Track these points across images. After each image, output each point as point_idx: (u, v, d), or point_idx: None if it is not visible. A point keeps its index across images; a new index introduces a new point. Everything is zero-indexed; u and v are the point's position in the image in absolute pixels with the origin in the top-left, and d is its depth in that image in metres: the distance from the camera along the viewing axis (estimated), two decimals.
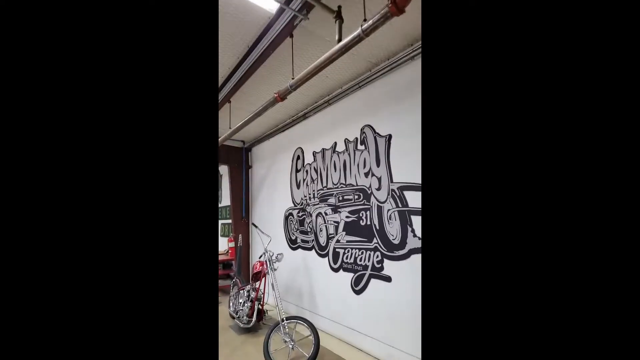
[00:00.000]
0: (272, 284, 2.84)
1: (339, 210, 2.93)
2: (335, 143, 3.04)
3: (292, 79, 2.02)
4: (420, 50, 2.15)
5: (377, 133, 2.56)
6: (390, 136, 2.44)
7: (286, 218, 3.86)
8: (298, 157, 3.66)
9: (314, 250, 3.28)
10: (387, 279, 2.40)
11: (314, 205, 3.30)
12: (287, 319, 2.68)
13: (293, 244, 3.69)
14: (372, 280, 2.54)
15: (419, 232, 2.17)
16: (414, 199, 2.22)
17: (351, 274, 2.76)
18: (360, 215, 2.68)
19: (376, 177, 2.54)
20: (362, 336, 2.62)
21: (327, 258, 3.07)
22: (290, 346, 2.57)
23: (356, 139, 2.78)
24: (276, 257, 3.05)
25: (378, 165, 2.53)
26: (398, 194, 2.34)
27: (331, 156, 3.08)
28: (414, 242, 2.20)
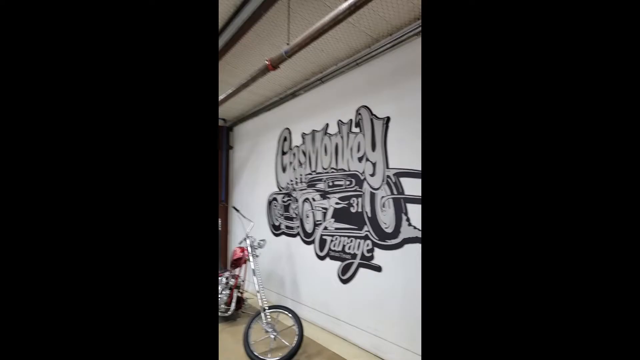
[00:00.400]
0: (253, 271, 2.66)
1: (329, 196, 2.77)
2: (327, 124, 2.84)
3: (287, 44, 1.79)
4: None
5: (374, 115, 2.40)
6: (388, 119, 2.29)
7: (269, 203, 3.65)
8: (285, 139, 3.43)
9: (299, 237, 3.13)
10: (377, 268, 2.30)
11: (301, 190, 3.12)
12: (269, 308, 2.53)
13: (276, 230, 3.51)
14: (361, 270, 2.44)
15: (414, 221, 2.07)
16: (411, 186, 2.10)
17: (338, 263, 2.64)
18: (351, 202, 2.54)
19: (371, 162, 2.40)
20: (348, 326, 2.54)
21: (313, 245, 2.93)
22: (272, 337, 2.44)
23: (350, 120, 2.60)
24: (258, 244, 2.87)
25: (373, 149, 2.38)
26: (394, 181, 2.22)
27: (322, 138, 2.89)
28: (408, 231, 2.10)
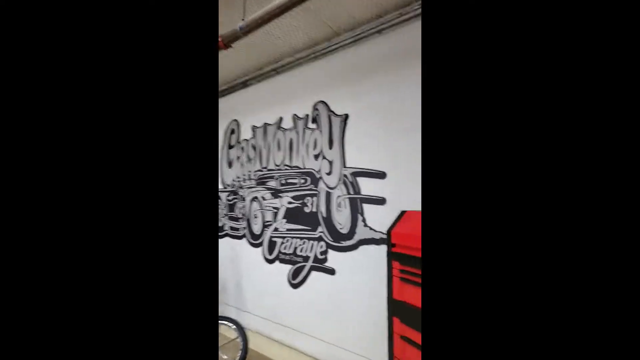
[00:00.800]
0: None
1: (281, 195, 2.59)
2: (281, 118, 2.66)
3: (243, 20, 1.57)
4: (392, 22, 1.97)
5: (332, 111, 2.30)
6: (346, 116, 2.22)
7: None
8: (232, 131, 3.13)
9: (245, 238, 2.86)
10: (331, 271, 2.21)
11: (249, 188, 2.87)
12: None
13: (219, 231, 3.18)
14: (313, 273, 2.31)
15: (370, 222, 2.03)
16: (367, 186, 2.06)
17: (289, 266, 2.47)
18: (305, 201, 2.40)
19: (327, 160, 2.29)
20: (299, 335, 2.38)
21: (261, 248, 2.71)
22: None
23: (307, 115, 2.46)
24: None
25: (331, 147, 2.28)
26: (350, 180, 2.15)
27: (275, 133, 2.69)
28: (364, 232, 2.05)
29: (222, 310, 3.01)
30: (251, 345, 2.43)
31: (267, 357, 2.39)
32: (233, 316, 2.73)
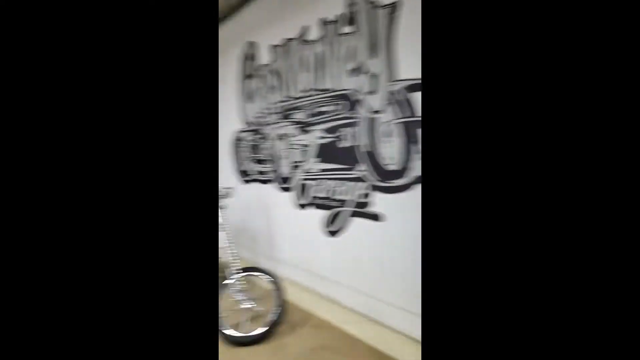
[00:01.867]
0: (220, 226, 2.08)
1: (309, 128, 2.12)
2: (306, 28, 2.05)
3: None
4: None
5: (374, 2, 1.65)
6: (395, 5, 1.56)
7: (234, 143, 2.94)
8: (248, 57, 2.59)
9: (273, 183, 2.53)
10: (374, 216, 1.80)
11: (274, 124, 2.42)
12: (243, 270, 2.05)
13: (244, 176, 2.87)
14: (354, 219, 1.93)
15: None
16: None
17: (324, 211, 2.11)
18: (340, 133, 1.91)
19: (369, 74, 1.72)
20: (337, 286, 2.11)
21: (291, 193, 2.36)
22: (247, 306, 1.98)
23: (340, 16, 1.83)
24: (226, 192, 2.25)
25: (373, 55, 1.69)
26: (402, 98, 1.59)
27: (298, 49, 2.12)
28: (420, 168, 1.55)
29: (256, 262, 2.85)
30: (287, 296, 2.24)
31: (303, 309, 2.20)
32: (267, 267, 2.54)
